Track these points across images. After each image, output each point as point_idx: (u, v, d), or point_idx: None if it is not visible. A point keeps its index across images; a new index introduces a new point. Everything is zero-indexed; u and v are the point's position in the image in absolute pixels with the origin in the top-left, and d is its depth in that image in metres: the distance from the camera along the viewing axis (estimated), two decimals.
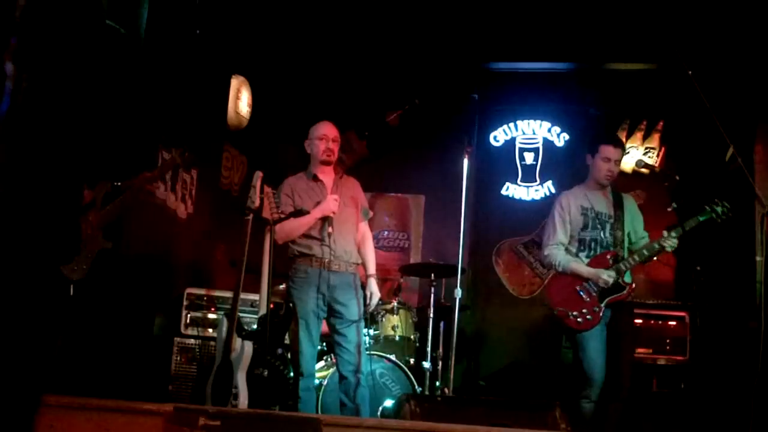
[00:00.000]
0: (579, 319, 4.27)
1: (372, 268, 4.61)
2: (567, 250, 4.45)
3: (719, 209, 4.23)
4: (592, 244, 4.41)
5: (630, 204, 4.55)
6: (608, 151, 4.44)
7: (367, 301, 4.52)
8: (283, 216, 4.30)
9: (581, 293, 4.31)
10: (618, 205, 4.48)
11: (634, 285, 4.36)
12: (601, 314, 4.27)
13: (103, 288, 4.10)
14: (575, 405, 4.20)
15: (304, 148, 4.65)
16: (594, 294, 4.29)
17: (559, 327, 4.41)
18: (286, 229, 4.35)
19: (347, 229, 4.47)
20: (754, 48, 5.42)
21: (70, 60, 2.10)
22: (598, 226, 4.41)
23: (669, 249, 4.21)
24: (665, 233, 4.21)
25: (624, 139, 6.58)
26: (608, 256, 4.35)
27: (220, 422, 2.49)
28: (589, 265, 4.36)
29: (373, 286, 4.56)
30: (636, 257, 4.30)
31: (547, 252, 4.47)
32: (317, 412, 4.51)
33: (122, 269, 4.47)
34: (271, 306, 4.34)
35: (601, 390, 4.20)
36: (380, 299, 4.65)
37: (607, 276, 4.27)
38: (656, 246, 4.25)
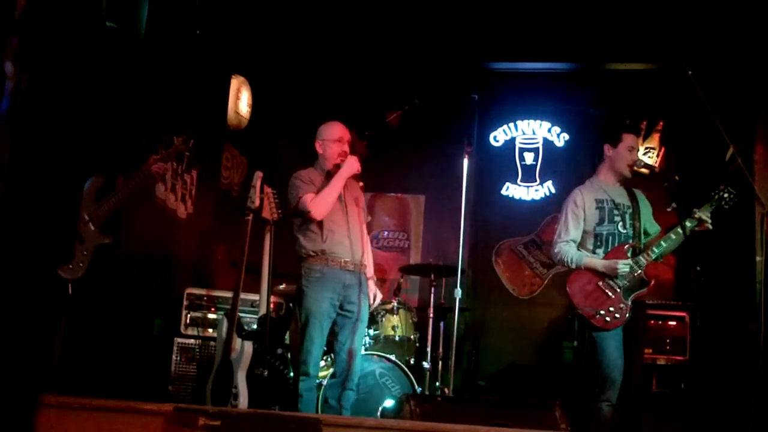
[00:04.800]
0: (607, 318, 4.12)
1: (371, 271, 4.62)
2: (583, 246, 4.33)
3: (726, 195, 4.18)
4: (610, 239, 4.28)
5: (641, 196, 4.46)
6: (632, 139, 4.39)
7: (371, 302, 4.54)
8: (282, 216, 4.30)
9: (605, 290, 4.17)
10: (633, 197, 4.40)
11: (653, 282, 4.21)
12: (627, 312, 4.13)
13: (104, 288, 4.10)
14: (594, 408, 4.09)
15: (303, 147, 4.64)
16: (618, 290, 4.16)
17: (584, 327, 4.24)
18: (322, 200, 4.29)
19: (359, 229, 4.45)
20: (754, 48, 5.42)
21: (70, 60, 2.10)
22: (616, 218, 4.29)
23: (687, 232, 4.10)
24: (682, 223, 4.11)
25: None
26: (626, 247, 4.24)
27: (220, 422, 2.49)
28: (605, 259, 4.23)
29: (374, 287, 4.59)
30: (655, 249, 4.18)
31: (557, 249, 4.33)
32: (317, 411, 4.50)
33: (122, 269, 4.48)
34: (273, 305, 4.34)
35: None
36: (381, 299, 4.66)
37: (623, 265, 4.14)
38: (672, 236, 4.16)
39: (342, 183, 4.37)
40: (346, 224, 4.39)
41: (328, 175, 4.42)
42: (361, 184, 4.57)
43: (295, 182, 4.41)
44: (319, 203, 4.29)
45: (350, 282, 4.34)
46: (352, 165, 4.39)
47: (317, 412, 4.47)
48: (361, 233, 4.48)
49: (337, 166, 4.42)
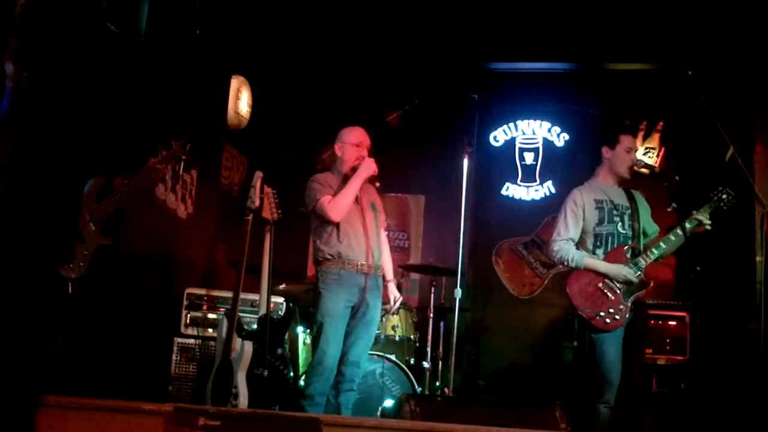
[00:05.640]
0: (607, 320, 4.11)
1: (391, 274, 4.62)
2: (582, 246, 4.33)
3: (725, 197, 4.19)
4: (609, 239, 4.28)
5: (640, 197, 4.47)
6: (629, 140, 4.41)
7: (391, 304, 4.58)
8: (282, 216, 4.31)
9: (605, 291, 4.17)
10: (632, 198, 4.41)
11: (653, 283, 4.21)
12: (627, 313, 4.13)
13: (103, 288, 4.10)
14: (592, 410, 4.08)
15: (303, 147, 4.65)
16: (618, 292, 4.16)
17: (584, 327, 4.24)
18: (340, 203, 4.30)
19: (375, 232, 4.45)
20: (754, 48, 5.42)
21: (70, 60, 2.10)
22: (615, 218, 4.30)
23: (687, 233, 4.11)
24: (682, 224, 4.12)
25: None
26: (625, 248, 4.24)
27: (220, 422, 2.49)
28: (605, 260, 4.24)
29: (395, 290, 4.61)
30: (654, 251, 4.19)
31: (557, 247, 4.32)
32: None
33: (122, 269, 4.48)
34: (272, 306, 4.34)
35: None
36: (383, 301, 4.66)
37: (628, 271, 4.15)
38: (672, 237, 4.17)
39: (359, 184, 4.36)
40: (362, 227, 4.38)
41: (345, 179, 4.42)
42: (377, 184, 4.53)
43: (313, 185, 4.41)
44: (337, 205, 4.30)
45: (366, 285, 4.33)
46: (368, 166, 4.39)
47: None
48: (378, 236, 4.46)
49: (354, 170, 4.41)
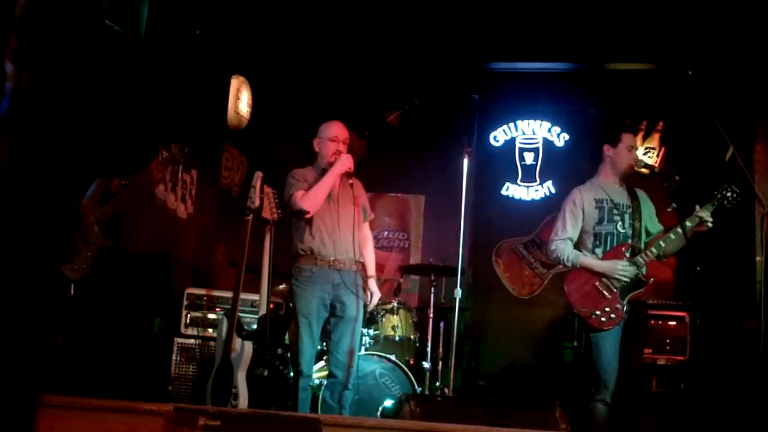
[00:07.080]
0: (603, 318, 4.11)
1: (372, 270, 4.61)
2: (582, 245, 4.33)
3: (729, 194, 4.17)
4: (609, 238, 4.27)
5: (644, 196, 4.45)
6: (631, 138, 4.41)
7: (367, 302, 4.54)
8: (282, 215, 4.31)
9: (602, 290, 4.16)
10: (634, 197, 4.39)
11: (652, 280, 4.21)
12: (623, 312, 4.13)
13: (104, 288, 4.10)
14: (588, 407, 4.09)
15: (303, 147, 4.65)
16: (615, 290, 4.15)
17: (582, 327, 4.26)
18: (312, 195, 4.32)
19: (350, 228, 4.44)
20: (754, 48, 5.42)
21: (70, 60, 2.10)
22: (615, 217, 4.28)
23: (687, 232, 4.09)
24: (682, 223, 4.10)
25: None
26: (624, 249, 4.23)
27: (220, 422, 2.49)
28: (604, 259, 4.23)
29: (374, 286, 4.58)
30: (654, 249, 4.17)
31: (554, 246, 4.32)
32: (316, 411, 4.50)
33: (122, 269, 4.48)
34: (272, 306, 4.34)
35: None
36: (380, 299, 4.65)
37: (622, 268, 4.14)
38: (672, 236, 4.16)
39: (332, 180, 4.38)
40: (336, 223, 4.39)
41: (323, 173, 4.44)
42: (351, 181, 4.48)
43: (289, 180, 4.45)
44: (309, 199, 4.32)
45: (340, 281, 4.34)
46: (343, 162, 4.40)
47: (317, 411, 4.47)
48: (354, 232, 4.41)
49: (332, 164, 4.42)
